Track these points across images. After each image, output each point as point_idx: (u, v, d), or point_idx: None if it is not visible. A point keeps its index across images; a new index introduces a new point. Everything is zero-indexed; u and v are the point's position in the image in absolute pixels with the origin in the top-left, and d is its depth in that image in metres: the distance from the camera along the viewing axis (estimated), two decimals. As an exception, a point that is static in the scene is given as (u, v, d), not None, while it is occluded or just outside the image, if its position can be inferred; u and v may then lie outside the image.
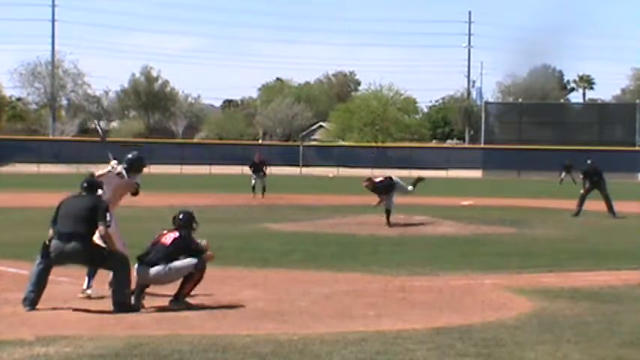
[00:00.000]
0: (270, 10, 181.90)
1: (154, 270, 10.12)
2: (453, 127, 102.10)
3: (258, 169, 36.13)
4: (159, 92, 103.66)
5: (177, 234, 10.32)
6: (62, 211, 10.05)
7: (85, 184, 10.35)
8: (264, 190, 35.45)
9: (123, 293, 9.78)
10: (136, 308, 9.77)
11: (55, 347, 7.88)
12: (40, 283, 9.88)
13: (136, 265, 10.22)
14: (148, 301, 10.09)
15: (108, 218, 10.04)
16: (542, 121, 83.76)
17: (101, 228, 9.93)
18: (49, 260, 9.93)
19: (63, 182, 29.38)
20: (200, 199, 32.20)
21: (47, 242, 9.91)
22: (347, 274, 13.17)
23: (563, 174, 57.47)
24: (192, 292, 10.57)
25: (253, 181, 35.77)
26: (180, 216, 10.64)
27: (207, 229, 20.21)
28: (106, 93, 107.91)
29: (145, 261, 10.19)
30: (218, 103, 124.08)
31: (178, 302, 10.19)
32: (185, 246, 10.31)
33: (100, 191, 10.60)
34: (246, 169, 71.73)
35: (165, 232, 10.48)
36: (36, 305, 9.78)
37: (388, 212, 21.72)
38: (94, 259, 9.94)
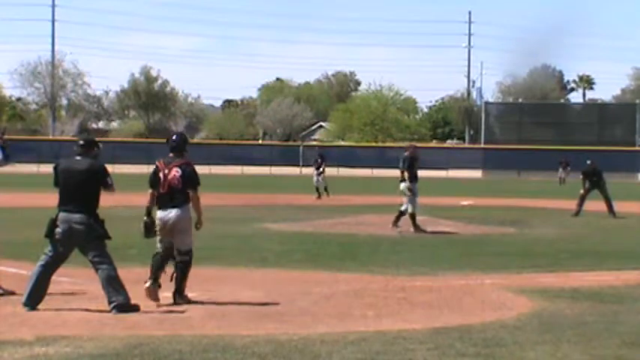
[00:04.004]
0: (270, 10, 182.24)
1: (176, 212, 10.30)
2: (453, 127, 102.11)
3: (318, 164, 34.99)
4: (159, 92, 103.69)
5: (179, 170, 10.32)
6: (62, 182, 9.91)
7: (82, 142, 10.10)
8: (325, 189, 34.28)
9: (120, 294, 9.72)
10: (137, 308, 9.74)
11: (55, 347, 7.88)
12: (41, 283, 9.86)
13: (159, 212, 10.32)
14: (147, 301, 10.07)
15: (110, 182, 9.96)
16: (542, 121, 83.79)
17: (110, 192, 9.97)
18: (55, 244, 9.84)
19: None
20: (200, 199, 32.18)
21: (54, 217, 9.87)
22: (347, 274, 13.17)
23: (562, 172, 57.69)
24: (193, 292, 10.58)
25: (316, 182, 34.73)
26: (174, 137, 10.67)
27: (208, 229, 20.22)
28: (106, 93, 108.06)
29: (169, 206, 10.30)
30: (218, 103, 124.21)
31: (181, 296, 10.29)
32: (190, 178, 10.43)
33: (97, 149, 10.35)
34: (246, 169, 72.49)
35: (163, 166, 10.39)
36: (37, 305, 9.77)
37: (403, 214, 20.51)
38: (94, 235, 9.77)
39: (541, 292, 11.58)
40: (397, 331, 8.85)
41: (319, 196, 34.11)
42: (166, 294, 10.83)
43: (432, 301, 10.88)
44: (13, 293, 10.62)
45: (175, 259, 10.44)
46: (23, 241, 15.65)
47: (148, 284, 10.18)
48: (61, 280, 10.89)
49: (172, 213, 10.32)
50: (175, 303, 10.21)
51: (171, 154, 10.53)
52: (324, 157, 35.78)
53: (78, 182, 9.82)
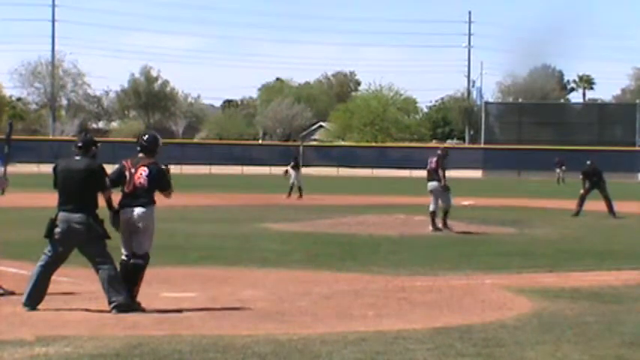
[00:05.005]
0: (270, 10, 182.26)
1: (139, 211, 9.97)
2: (453, 127, 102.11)
3: (294, 164, 35.23)
4: (159, 92, 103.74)
5: (146, 170, 10.04)
6: (61, 182, 9.89)
7: (80, 144, 10.02)
8: (290, 189, 34.55)
9: (121, 294, 9.70)
10: (137, 308, 9.71)
11: (55, 347, 7.87)
12: (41, 283, 9.85)
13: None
14: (147, 301, 10.06)
15: (107, 183, 9.85)
16: (542, 121, 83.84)
17: (104, 193, 9.85)
18: (54, 244, 9.84)
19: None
20: (200, 199, 32.21)
21: (54, 217, 9.87)
22: (347, 274, 13.17)
23: (558, 172, 57.94)
24: (193, 292, 10.57)
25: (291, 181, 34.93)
26: (145, 137, 10.37)
27: (208, 229, 20.28)
28: (107, 93, 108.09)
29: (133, 204, 9.97)
30: (218, 103, 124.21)
31: (133, 303, 9.83)
32: (158, 178, 10.12)
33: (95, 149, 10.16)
34: (246, 169, 72.48)
35: (130, 166, 10.12)
36: (37, 305, 9.76)
37: (435, 213, 20.57)
38: (94, 235, 9.73)
39: (541, 292, 11.58)
40: (397, 331, 8.84)
41: (292, 195, 34.39)
42: (166, 294, 10.84)
43: (432, 301, 10.88)
44: (13, 293, 10.63)
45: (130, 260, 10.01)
46: (23, 241, 15.64)
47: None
48: (61, 280, 10.88)
49: (135, 211, 9.96)
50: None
51: (140, 154, 10.25)
52: (297, 157, 36.10)
53: (77, 182, 9.81)
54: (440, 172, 20.45)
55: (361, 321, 9.46)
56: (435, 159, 20.67)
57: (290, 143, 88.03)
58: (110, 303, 9.65)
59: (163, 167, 10.36)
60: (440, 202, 20.48)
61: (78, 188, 9.79)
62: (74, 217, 9.74)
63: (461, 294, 11.45)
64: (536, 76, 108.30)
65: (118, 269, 9.92)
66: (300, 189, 34.51)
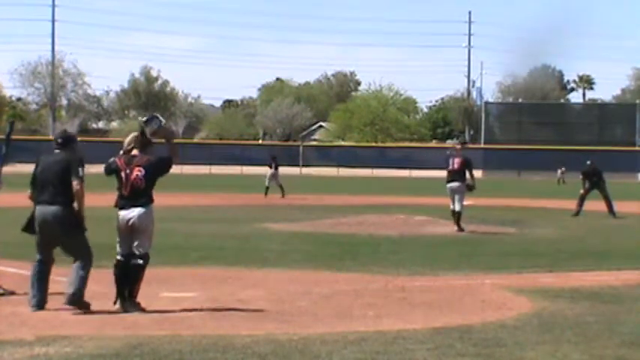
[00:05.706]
0: (270, 10, 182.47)
1: (138, 211, 9.82)
2: (453, 127, 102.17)
3: (273, 164, 35.61)
4: (159, 92, 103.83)
5: (142, 170, 9.81)
6: (39, 175, 9.87)
7: (60, 139, 9.98)
8: (281, 188, 34.84)
9: (81, 289, 9.61)
10: (87, 306, 9.60)
11: (55, 347, 7.87)
12: (42, 282, 9.85)
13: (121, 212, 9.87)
14: (147, 302, 10.06)
15: (80, 174, 9.66)
16: (542, 121, 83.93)
17: (74, 183, 9.63)
18: (38, 241, 9.83)
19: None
20: (200, 199, 32.19)
21: (32, 212, 9.84)
22: (347, 274, 13.16)
23: (559, 173, 58.10)
24: (193, 292, 10.55)
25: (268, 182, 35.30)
26: (139, 131, 10.00)
27: (208, 229, 20.28)
28: (107, 93, 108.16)
29: (131, 206, 9.82)
30: (218, 103, 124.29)
31: (133, 304, 9.72)
32: (158, 168, 9.96)
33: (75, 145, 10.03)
34: (246, 169, 72.45)
35: (124, 166, 9.87)
36: (44, 305, 9.72)
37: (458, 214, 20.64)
38: (72, 228, 9.68)
39: (541, 292, 11.57)
40: (397, 331, 8.84)
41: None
42: (166, 294, 10.84)
43: (432, 301, 10.87)
44: (13, 293, 10.63)
45: (130, 261, 9.85)
46: (23, 241, 15.60)
47: (117, 305, 9.73)
48: (60, 280, 10.88)
49: (135, 212, 9.78)
50: (125, 311, 9.63)
51: (134, 152, 9.99)
52: (276, 157, 36.43)
53: (54, 173, 9.75)
54: (467, 173, 20.37)
55: (361, 321, 9.46)
56: (458, 160, 20.51)
57: (290, 143, 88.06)
58: (65, 294, 9.58)
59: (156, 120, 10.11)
60: (456, 202, 20.39)
61: (54, 179, 9.72)
62: (49, 209, 9.69)
63: (461, 294, 11.45)
64: (536, 76, 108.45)
65: (112, 270, 9.88)
66: (267, 189, 34.76)
